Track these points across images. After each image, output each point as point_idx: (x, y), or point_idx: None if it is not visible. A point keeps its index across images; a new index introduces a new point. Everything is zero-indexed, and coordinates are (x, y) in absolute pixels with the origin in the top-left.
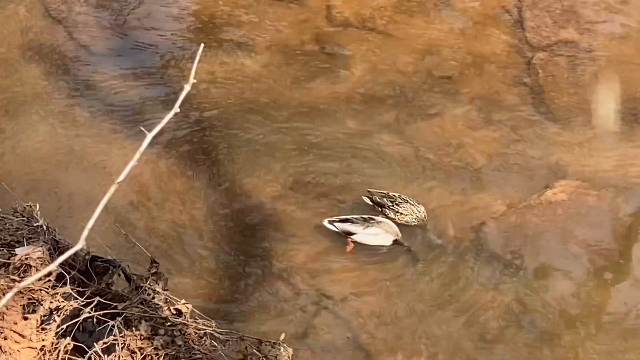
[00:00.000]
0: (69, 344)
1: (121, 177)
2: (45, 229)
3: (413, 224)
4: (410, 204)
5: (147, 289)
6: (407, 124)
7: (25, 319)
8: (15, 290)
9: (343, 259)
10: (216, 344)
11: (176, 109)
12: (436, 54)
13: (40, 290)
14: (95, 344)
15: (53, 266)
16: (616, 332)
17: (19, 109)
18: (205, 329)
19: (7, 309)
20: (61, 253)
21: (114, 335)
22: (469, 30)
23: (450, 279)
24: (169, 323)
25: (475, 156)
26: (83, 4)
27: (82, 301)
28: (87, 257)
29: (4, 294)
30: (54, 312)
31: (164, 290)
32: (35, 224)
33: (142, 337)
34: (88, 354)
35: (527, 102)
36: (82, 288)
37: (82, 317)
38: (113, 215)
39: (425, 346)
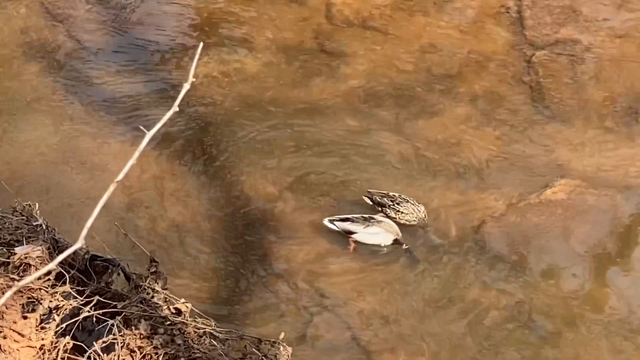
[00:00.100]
0: (68, 343)
1: (120, 176)
2: (44, 228)
3: (414, 223)
4: (410, 203)
5: (146, 288)
6: (407, 123)
7: (25, 318)
8: (14, 289)
9: (343, 258)
10: (215, 343)
11: (175, 107)
12: (436, 53)
13: (40, 289)
14: (94, 343)
15: (52, 265)
16: (617, 331)
17: (18, 108)
18: (205, 328)
19: (7, 308)
20: (61, 252)
21: (114, 334)
22: (468, 29)
23: (450, 278)
24: (168, 322)
25: (475, 155)
26: (83, 2)
27: (82, 300)
28: (86, 256)
29: (3, 293)
30: (54, 311)
31: (163, 289)
32: (34, 223)
33: (141, 336)
34: (87, 353)
35: (527, 100)
36: (81, 287)
37: (81, 316)
38: (113, 214)
39: (427, 346)
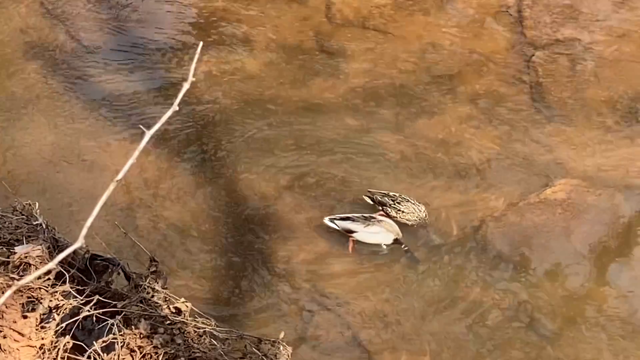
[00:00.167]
0: (68, 342)
1: (120, 175)
2: (44, 227)
3: (414, 223)
4: (411, 202)
5: (146, 287)
6: (407, 122)
7: (25, 317)
8: (14, 288)
9: (343, 258)
10: (215, 343)
11: (175, 106)
12: (436, 53)
13: (40, 288)
14: (94, 342)
15: (52, 264)
16: (619, 331)
17: (18, 107)
18: (205, 328)
19: (7, 308)
20: (60, 251)
21: (114, 334)
22: (468, 29)
23: (451, 278)
24: (168, 321)
25: (475, 154)
26: (83, 1)
27: (82, 300)
28: (86, 255)
29: (3, 292)
30: (54, 311)
31: (163, 288)
32: (34, 222)
33: (141, 336)
34: (87, 353)
35: (527, 100)
36: (81, 286)
37: (81, 316)
38: (113, 214)
39: (428, 346)
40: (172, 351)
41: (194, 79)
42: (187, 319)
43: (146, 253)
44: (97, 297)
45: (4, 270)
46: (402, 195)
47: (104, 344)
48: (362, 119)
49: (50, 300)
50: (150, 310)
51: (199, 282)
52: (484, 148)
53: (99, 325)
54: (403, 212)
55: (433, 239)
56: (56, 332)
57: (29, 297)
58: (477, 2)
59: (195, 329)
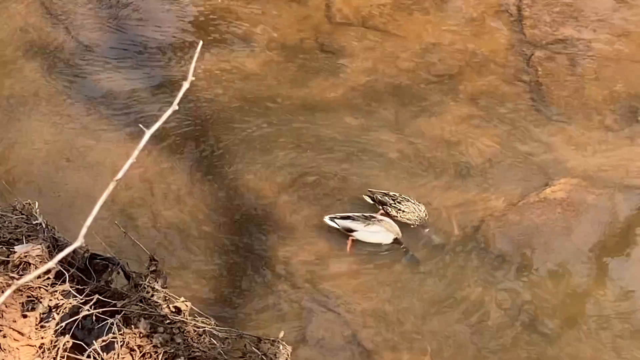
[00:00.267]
0: (68, 341)
1: (120, 174)
2: (44, 226)
3: (414, 222)
4: (411, 202)
5: (146, 286)
6: (407, 122)
7: (25, 316)
8: (13, 287)
9: (344, 257)
10: (215, 342)
11: (175, 106)
12: (435, 52)
13: (39, 288)
14: (94, 341)
15: (52, 263)
16: (620, 330)
17: (17, 107)
18: (204, 327)
19: (6, 307)
20: (60, 250)
21: (113, 333)
22: (468, 28)
23: (451, 277)
24: (168, 321)
25: (475, 154)
26: (82, 0)
27: (81, 299)
28: (86, 254)
29: (3, 292)
30: (53, 310)
31: (163, 288)
32: (34, 222)
33: (141, 335)
34: (87, 352)
35: (527, 99)
36: (81, 286)
37: (81, 315)
38: (112, 213)
39: (430, 345)
40: (172, 350)
41: (193, 78)
42: (186, 318)
43: (146, 252)
44: (96, 296)
45: (3, 269)
46: (403, 195)
47: (104, 343)
48: (362, 118)
49: (50, 300)
50: (150, 309)
51: (199, 281)
52: (484, 147)
53: (99, 324)
54: (403, 211)
55: (433, 238)
56: (56, 331)
57: (28, 297)
58: (477, 1)
59: (195, 328)
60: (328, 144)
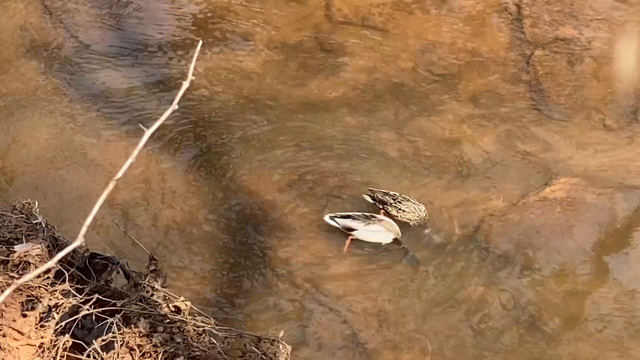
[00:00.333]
0: (67, 341)
1: (120, 174)
2: (44, 226)
3: (414, 222)
4: (412, 202)
5: (145, 286)
6: (406, 121)
7: (24, 316)
8: (13, 287)
9: (344, 257)
10: (215, 341)
11: (174, 105)
12: (435, 51)
13: (39, 287)
14: (94, 341)
15: (52, 263)
16: (620, 329)
17: (17, 106)
18: (204, 326)
19: (6, 306)
20: (60, 250)
21: (113, 333)
22: (468, 27)
23: (451, 277)
24: (167, 320)
25: (475, 153)
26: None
27: (81, 298)
28: (85, 254)
29: (2, 291)
30: (53, 309)
31: (162, 287)
32: (34, 221)
33: (141, 335)
34: (87, 351)
35: (526, 99)
36: (81, 285)
37: (81, 314)
38: (112, 212)
39: (430, 345)
40: (172, 350)
41: (193, 78)
42: (186, 318)
43: (145, 252)
44: (96, 295)
45: (3, 269)
46: (403, 195)
47: (104, 342)
48: (362, 117)
49: (50, 299)
50: (150, 309)
51: (199, 281)
52: (484, 147)
53: (99, 323)
54: (404, 211)
55: (433, 238)
56: (56, 330)
57: (28, 296)
58: (477, 0)
59: (195, 328)
60: (328, 143)
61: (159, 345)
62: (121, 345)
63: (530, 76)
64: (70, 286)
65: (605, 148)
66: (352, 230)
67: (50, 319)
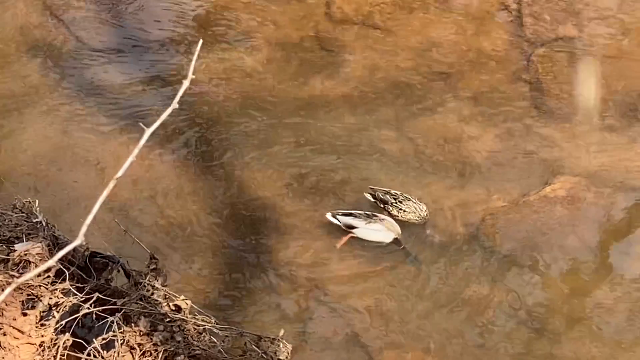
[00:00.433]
0: (68, 339)
1: (120, 173)
2: (44, 225)
3: (415, 222)
4: (412, 202)
5: (146, 285)
6: (407, 120)
7: (25, 314)
8: (13, 285)
9: (345, 256)
10: (215, 340)
11: (175, 104)
12: (435, 51)
13: (40, 286)
14: (94, 339)
15: (52, 262)
16: (623, 328)
17: (16, 105)
18: (205, 325)
19: (6, 305)
20: (60, 249)
21: (113, 331)
22: (468, 27)
23: (452, 276)
24: (168, 319)
25: (475, 152)
26: None
27: (82, 297)
28: (86, 253)
29: (3, 290)
30: (53, 308)
31: (163, 286)
32: (34, 220)
33: (141, 333)
34: (87, 350)
35: (526, 98)
36: (81, 284)
37: (81, 313)
38: (113, 211)
39: (433, 344)
40: (172, 348)
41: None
42: (186, 317)
43: (146, 251)
44: (97, 294)
45: (3, 267)
46: (404, 194)
47: (104, 341)
48: (362, 117)
49: (50, 298)
50: (150, 307)
51: (199, 279)
52: (484, 146)
53: (99, 322)
54: (405, 211)
55: (434, 237)
56: (56, 329)
57: (28, 295)
58: (477, 0)
59: (195, 327)
60: (328, 143)
61: (159, 344)
62: (121, 344)
63: (530, 75)
64: (71, 285)
65: (605, 147)
66: (353, 228)
67: (50, 317)
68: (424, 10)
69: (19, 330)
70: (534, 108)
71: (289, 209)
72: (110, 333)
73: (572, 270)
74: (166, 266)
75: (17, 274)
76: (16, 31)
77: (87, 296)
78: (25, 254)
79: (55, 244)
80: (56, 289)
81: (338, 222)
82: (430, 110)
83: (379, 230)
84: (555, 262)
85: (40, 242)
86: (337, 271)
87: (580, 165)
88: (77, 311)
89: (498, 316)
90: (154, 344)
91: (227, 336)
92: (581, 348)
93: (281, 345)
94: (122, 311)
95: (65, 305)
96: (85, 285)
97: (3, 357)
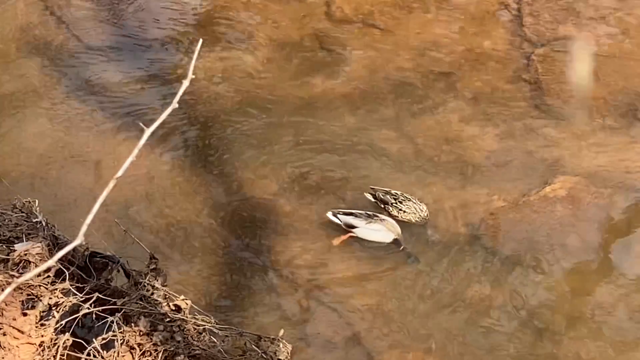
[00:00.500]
0: (68, 339)
1: (120, 172)
2: (44, 224)
3: (415, 222)
4: (413, 202)
5: (146, 285)
6: (407, 120)
7: (25, 314)
8: (13, 285)
9: (346, 256)
10: (215, 340)
11: (174, 104)
12: (435, 50)
13: (40, 286)
14: (94, 339)
15: (52, 262)
16: (624, 327)
17: (16, 104)
18: (205, 325)
19: (6, 305)
20: (60, 249)
21: (113, 331)
22: (468, 26)
23: (452, 276)
24: (168, 319)
25: (475, 152)
26: None
27: (81, 297)
28: (86, 252)
29: (3, 290)
30: (53, 308)
31: (163, 286)
32: (34, 220)
33: (141, 333)
34: (87, 350)
35: (526, 97)
36: (81, 284)
37: (81, 313)
38: (112, 211)
39: (434, 344)
40: (172, 348)
41: (193, 76)
42: (186, 317)
43: (146, 250)
44: (96, 294)
45: (3, 267)
46: (405, 194)
47: (104, 341)
48: (362, 116)
49: (50, 298)
50: (150, 307)
51: (199, 279)
52: (484, 146)
53: (99, 322)
54: (405, 212)
55: (434, 237)
56: (56, 329)
57: (28, 295)
58: None
59: (195, 327)
60: (328, 143)
61: (159, 343)
62: (121, 344)
63: (530, 75)
64: (71, 285)
65: (605, 147)
66: (353, 227)
67: (50, 317)
68: (424, 10)
69: (18, 330)
70: (534, 108)
71: (288, 208)
72: (110, 333)
73: (573, 269)
74: (166, 266)
75: (17, 274)
76: (16, 30)
77: (87, 296)
78: (25, 254)
79: (55, 244)
80: (56, 289)
81: (339, 221)
82: (430, 109)
83: (378, 230)
84: (556, 262)
85: (40, 242)
86: (337, 272)
87: (580, 165)
88: (77, 311)
89: (499, 316)
90: (153, 344)
91: (227, 336)
92: (582, 348)
93: (281, 345)
94: (122, 311)
95: (65, 305)
96: (85, 285)
97: (3, 357)
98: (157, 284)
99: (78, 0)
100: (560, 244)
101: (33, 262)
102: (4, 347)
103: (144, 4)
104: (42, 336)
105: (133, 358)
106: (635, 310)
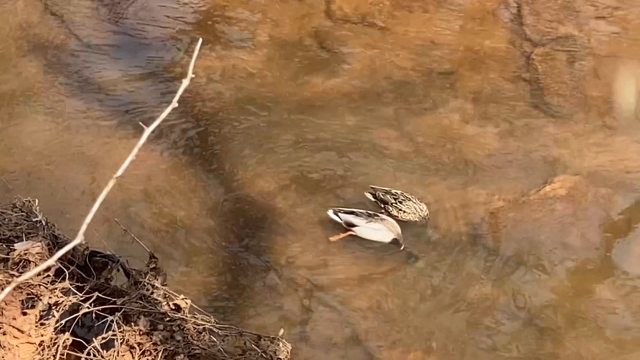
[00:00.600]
0: (67, 339)
1: (120, 172)
2: (44, 224)
3: (415, 221)
4: (413, 201)
5: (146, 284)
6: (406, 119)
7: (24, 314)
8: (13, 284)
9: (344, 255)
10: (215, 339)
11: (174, 103)
12: (435, 50)
13: (39, 285)
14: (94, 339)
15: (51, 261)
16: (625, 326)
17: (15, 103)
18: (204, 324)
19: (6, 304)
20: (60, 248)
21: (113, 331)
22: (468, 26)
23: (452, 275)
24: (168, 318)
25: (475, 152)
26: None
27: (81, 296)
28: (86, 252)
29: (2, 289)
30: (53, 308)
31: (163, 285)
32: (34, 219)
33: (141, 333)
34: (87, 349)
35: (526, 97)
36: (81, 283)
37: (81, 313)
38: (112, 211)
39: (435, 343)
40: (172, 348)
41: (193, 76)
42: (186, 316)
43: (145, 250)
44: (96, 293)
45: (3, 267)
46: (405, 194)
47: (104, 340)
48: (361, 116)
49: (50, 297)
50: (150, 307)
51: (199, 279)
52: (484, 145)
53: (99, 321)
54: (404, 211)
55: (434, 237)
56: (56, 328)
57: (28, 294)
58: None
59: (195, 326)
60: (328, 142)
61: (159, 343)
62: (121, 343)
63: (530, 74)
64: (71, 284)
65: (605, 146)
66: (353, 226)
67: (50, 317)
68: (424, 9)
69: (18, 330)
70: (534, 107)
71: (288, 207)
72: (110, 332)
73: (574, 269)
74: (166, 265)
75: (16, 273)
76: (16, 29)
77: (87, 295)
78: (25, 253)
79: (55, 243)
80: (56, 288)
81: (339, 220)
82: (430, 109)
83: (378, 230)
84: (556, 261)
85: (40, 241)
86: (338, 271)
87: (580, 164)
88: (77, 310)
89: (502, 316)
90: (153, 343)
91: (226, 335)
92: (584, 347)
93: (281, 344)
94: (122, 310)
95: (65, 305)
96: (85, 284)
97: (3, 357)
98: (157, 283)
99: (78, 0)
100: (561, 243)
101: (33, 262)
102: (4, 347)
103: (143, 3)
104: (42, 335)
105: (133, 357)
106: (637, 309)
